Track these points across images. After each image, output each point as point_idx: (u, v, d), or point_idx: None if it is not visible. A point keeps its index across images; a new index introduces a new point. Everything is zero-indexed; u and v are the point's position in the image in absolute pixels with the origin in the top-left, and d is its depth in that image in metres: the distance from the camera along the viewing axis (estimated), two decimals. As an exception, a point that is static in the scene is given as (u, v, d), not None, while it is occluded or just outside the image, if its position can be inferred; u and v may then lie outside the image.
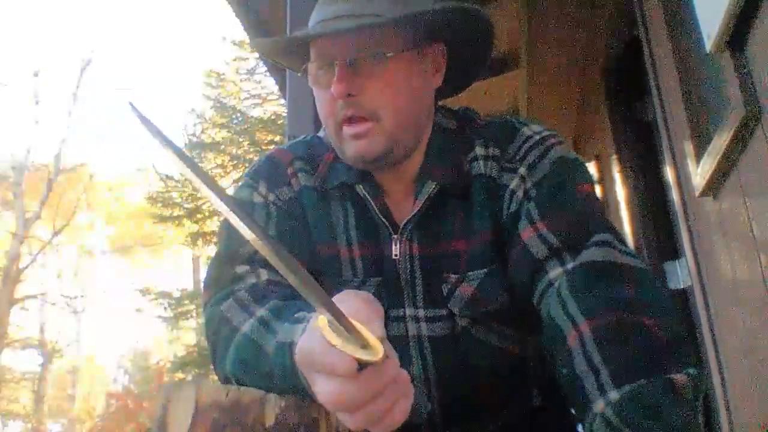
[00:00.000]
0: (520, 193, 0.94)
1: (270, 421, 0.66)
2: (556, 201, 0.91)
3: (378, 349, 0.61)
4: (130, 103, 0.56)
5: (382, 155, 0.92)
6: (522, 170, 0.95)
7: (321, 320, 0.63)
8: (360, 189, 0.97)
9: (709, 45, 1.47)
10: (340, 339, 0.61)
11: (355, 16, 0.89)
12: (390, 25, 0.90)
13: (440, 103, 1.05)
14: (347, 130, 0.92)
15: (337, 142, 0.95)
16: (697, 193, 1.80)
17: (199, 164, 0.59)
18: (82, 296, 20.63)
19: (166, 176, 11.80)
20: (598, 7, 2.90)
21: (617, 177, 3.11)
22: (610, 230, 0.89)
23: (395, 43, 0.91)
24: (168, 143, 0.56)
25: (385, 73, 0.90)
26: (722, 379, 1.84)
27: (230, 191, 1.24)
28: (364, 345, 0.61)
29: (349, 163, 0.97)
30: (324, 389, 0.64)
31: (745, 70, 1.37)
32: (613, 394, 0.71)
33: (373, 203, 0.96)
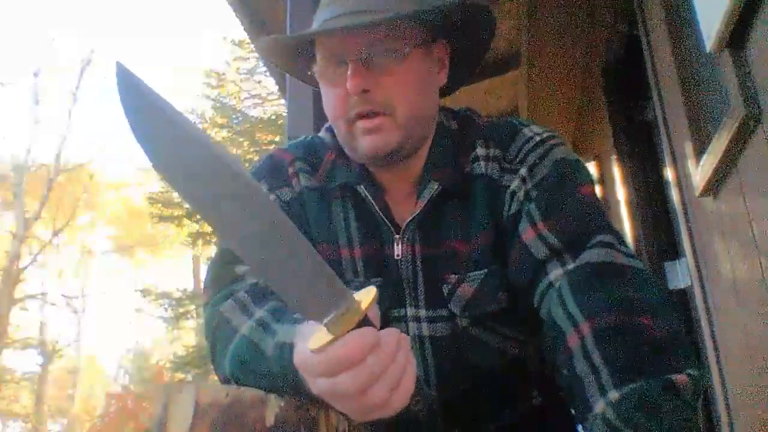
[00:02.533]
0: (520, 194, 0.94)
1: (270, 421, 0.66)
2: (556, 202, 0.91)
3: (367, 294, 0.62)
4: (118, 63, 0.53)
5: (395, 150, 0.93)
6: (523, 171, 0.95)
7: (307, 335, 0.63)
8: (362, 189, 0.97)
9: (709, 45, 1.47)
10: (323, 335, 0.61)
11: (365, 12, 0.90)
12: (404, 21, 0.90)
13: (441, 103, 1.06)
14: (361, 124, 0.92)
15: (349, 138, 0.95)
16: (697, 193, 1.80)
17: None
18: (82, 296, 20.66)
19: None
20: (598, 7, 2.90)
21: (617, 177, 3.11)
22: (611, 231, 0.89)
23: (408, 39, 0.92)
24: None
25: (399, 69, 0.91)
26: (722, 379, 1.84)
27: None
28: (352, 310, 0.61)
29: (361, 160, 0.97)
30: (323, 387, 0.64)
31: (745, 70, 1.37)
32: (614, 395, 0.71)
33: (374, 203, 0.96)
